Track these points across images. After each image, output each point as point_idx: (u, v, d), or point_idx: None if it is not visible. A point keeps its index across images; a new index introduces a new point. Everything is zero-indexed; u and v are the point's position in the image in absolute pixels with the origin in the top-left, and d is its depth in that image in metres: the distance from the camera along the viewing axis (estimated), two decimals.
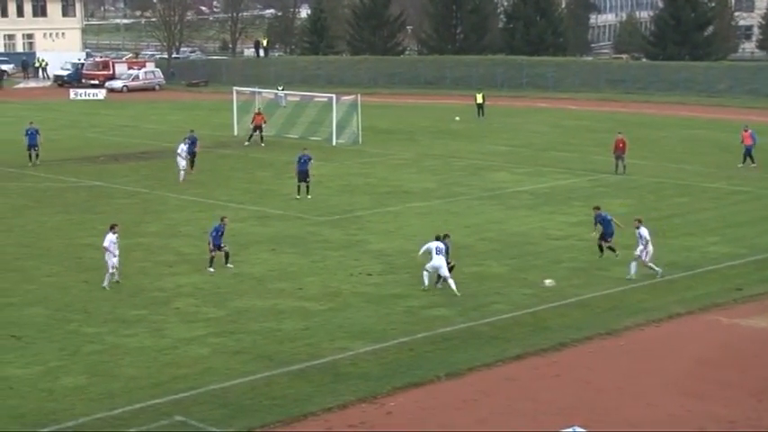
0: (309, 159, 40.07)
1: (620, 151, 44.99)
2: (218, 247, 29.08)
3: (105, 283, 27.03)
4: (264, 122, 54.19)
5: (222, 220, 29.71)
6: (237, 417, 19.02)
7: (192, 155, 44.89)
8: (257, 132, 53.48)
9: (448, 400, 20.00)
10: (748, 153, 46.79)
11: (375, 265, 29.76)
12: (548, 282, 27.78)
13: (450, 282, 26.62)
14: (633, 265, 27.92)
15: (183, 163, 43.73)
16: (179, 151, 43.97)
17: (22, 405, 19.55)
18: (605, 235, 29.91)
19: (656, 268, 28.06)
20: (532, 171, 46.13)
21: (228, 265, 29.18)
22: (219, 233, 29.17)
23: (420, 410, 19.49)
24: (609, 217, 30.15)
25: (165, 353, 22.40)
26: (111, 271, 27.05)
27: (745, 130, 47.32)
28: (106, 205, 38.80)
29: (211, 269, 28.89)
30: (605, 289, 27.29)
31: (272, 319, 24.83)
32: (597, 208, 30.72)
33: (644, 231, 27.90)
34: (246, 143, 53.23)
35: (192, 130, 46.82)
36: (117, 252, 27.23)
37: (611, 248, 29.90)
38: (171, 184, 42.90)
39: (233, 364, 21.65)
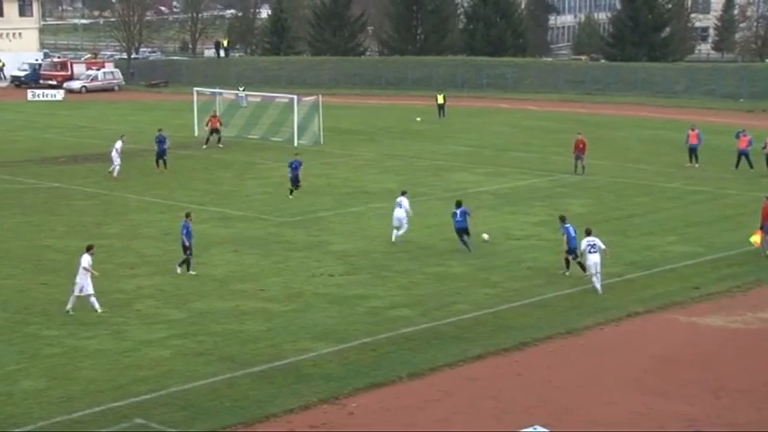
0: (300, 164, 40.41)
1: (579, 151, 45.29)
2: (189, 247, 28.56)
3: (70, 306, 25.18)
4: (220, 125, 54.09)
5: (187, 216, 29.10)
6: (199, 419, 18.94)
7: (162, 153, 45.90)
8: (214, 135, 53.34)
9: (410, 400, 20.04)
10: (693, 152, 47.44)
11: (337, 266, 29.75)
12: (485, 236, 31.18)
13: (399, 232, 32.38)
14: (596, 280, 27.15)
15: (117, 159, 44.59)
16: (116, 147, 44.81)
17: None
18: (570, 249, 28.24)
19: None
20: (493, 171, 46.34)
21: (178, 269, 28.76)
22: (188, 230, 28.65)
23: (382, 411, 19.52)
24: (572, 232, 28.27)
25: (125, 355, 22.25)
26: (91, 293, 25.11)
27: (692, 130, 47.93)
28: (66, 207, 38.47)
29: (192, 271, 28.65)
30: (566, 288, 27.47)
31: (234, 320, 24.75)
32: (563, 218, 29.17)
33: (595, 240, 27.02)
34: (204, 146, 52.94)
35: (160, 129, 46.88)
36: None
37: (580, 265, 27.89)
38: (131, 186, 42.63)
39: (194, 366, 21.55)
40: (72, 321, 24.49)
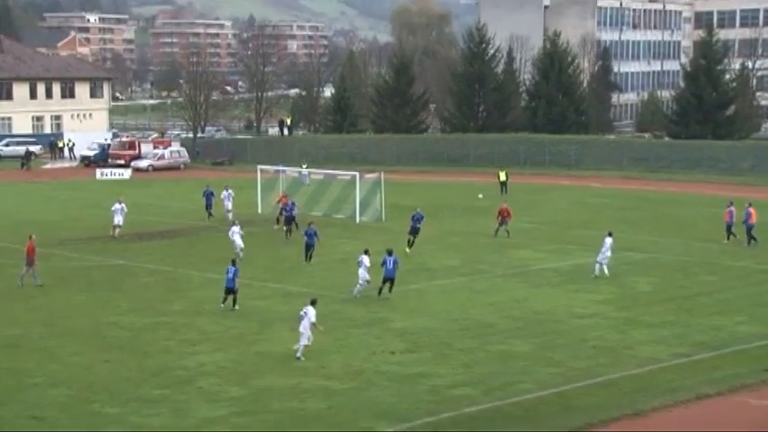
0: (422, 218, 45.62)
1: (504, 218, 48.86)
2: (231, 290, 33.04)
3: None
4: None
5: (234, 263, 33.71)
6: None
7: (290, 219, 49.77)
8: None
9: None
10: (749, 230, 46.82)
11: (398, 344, 29.57)
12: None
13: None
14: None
15: (238, 242, 43.43)
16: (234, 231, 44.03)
17: None
18: (385, 279, 34.80)
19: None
20: (556, 248, 45.98)
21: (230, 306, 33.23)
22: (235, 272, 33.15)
23: None
24: (390, 265, 34.56)
25: None
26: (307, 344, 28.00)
27: (749, 206, 47.43)
28: (130, 283, 38.89)
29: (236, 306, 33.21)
30: (632, 369, 26.97)
31: (294, 398, 24.65)
32: (389, 251, 35.04)
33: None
34: (275, 226, 52.58)
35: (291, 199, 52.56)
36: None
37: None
38: (195, 262, 43.01)
39: None
40: (135, 399, 24.58)
